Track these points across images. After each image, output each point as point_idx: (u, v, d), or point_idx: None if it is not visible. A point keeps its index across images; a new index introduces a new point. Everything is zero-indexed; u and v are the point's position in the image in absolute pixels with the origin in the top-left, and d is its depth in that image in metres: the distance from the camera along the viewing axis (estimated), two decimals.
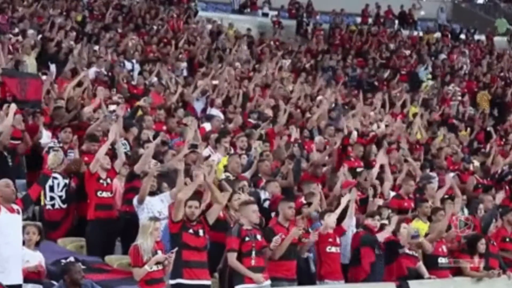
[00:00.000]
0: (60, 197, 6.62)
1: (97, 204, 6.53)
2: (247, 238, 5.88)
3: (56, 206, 6.62)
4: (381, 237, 6.64)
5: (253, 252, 5.86)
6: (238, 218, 6.40)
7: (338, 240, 6.60)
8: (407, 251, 6.89)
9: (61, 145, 7.39)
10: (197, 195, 6.03)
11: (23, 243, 5.40)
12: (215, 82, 11.32)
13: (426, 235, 7.16)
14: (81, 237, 6.67)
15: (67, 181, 6.63)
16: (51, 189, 6.61)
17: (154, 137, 8.14)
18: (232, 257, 5.87)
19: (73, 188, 6.75)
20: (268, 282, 5.93)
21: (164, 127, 8.87)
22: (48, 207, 6.61)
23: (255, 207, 6.05)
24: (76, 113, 8.34)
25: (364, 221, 6.89)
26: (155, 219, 5.73)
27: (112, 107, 8.63)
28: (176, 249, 5.58)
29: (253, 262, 5.85)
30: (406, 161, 9.24)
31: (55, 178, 6.59)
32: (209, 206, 6.03)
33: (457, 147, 10.76)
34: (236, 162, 7.52)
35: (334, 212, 6.61)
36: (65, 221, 6.64)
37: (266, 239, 6.02)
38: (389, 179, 8.11)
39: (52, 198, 6.57)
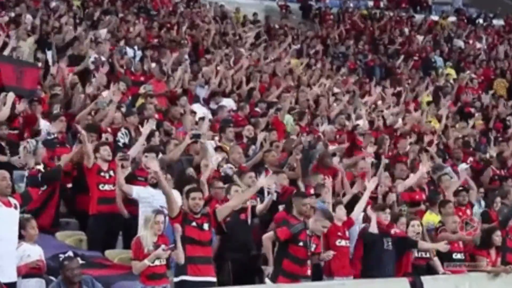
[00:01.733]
0: None
1: (99, 198, 6.36)
2: (301, 243, 5.74)
3: None
4: (373, 228, 6.40)
5: (308, 262, 5.74)
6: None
7: (347, 233, 6.41)
8: (416, 254, 6.69)
9: (55, 135, 7.12)
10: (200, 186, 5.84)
11: (23, 238, 5.23)
12: (220, 68, 10.99)
13: (437, 229, 6.95)
14: (80, 230, 6.48)
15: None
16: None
17: (159, 127, 7.89)
18: (269, 238, 5.74)
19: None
20: None
21: (156, 115, 8.53)
22: None
23: (329, 224, 5.96)
24: (68, 99, 8.06)
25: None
26: (157, 211, 5.53)
27: (105, 94, 8.33)
28: (173, 245, 5.37)
29: (309, 272, 5.72)
30: (426, 150, 8.88)
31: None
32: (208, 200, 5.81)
33: (460, 140, 10.35)
34: (238, 153, 7.30)
35: (359, 205, 6.48)
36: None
37: None
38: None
39: None
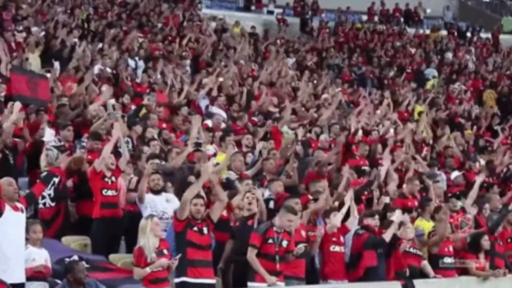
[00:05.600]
0: (49, 195, 6.50)
1: (102, 203, 6.51)
2: (270, 240, 5.84)
3: (47, 204, 6.52)
4: (387, 237, 6.58)
5: (277, 257, 5.83)
6: (241, 217, 6.39)
7: (342, 239, 6.58)
8: (410, 249, 6.82)
9: (62, 143, 7.34)
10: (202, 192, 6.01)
11: (28, 241, 5.37)
12: (220, 79, 11.25)
13: (429, 234, 7.10)
14: (84, 235, 6.64)
15: (56, 179, 6.53)
16: None
17: (158, 135, 8.13)
18: (251, 253, 5.82)
19: (65, 186, 6.64)
20: (282, 284, 5.90)
21: (164, 125, 8.76)
22: (40, 205, 6.54)
23: (294, 217, 6.00)
24: (80, 110, 8.33)
25: (363, 221, 6.81)
26: (150, 216, 5.70)
27: (111, 101, 8.55)
28: (179, 255, 5.56)
29: (278, 267, 5.83)
30: (414, 159, 9.15)
31: None
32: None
33: (457, 149, 10.62)
34: (239, 160, 7.49)
35: (340, 212, 6.58)
36: (56, 219, 6.52)
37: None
38: (394, 179, 8.03)
39: (43, 197, 6.46)
